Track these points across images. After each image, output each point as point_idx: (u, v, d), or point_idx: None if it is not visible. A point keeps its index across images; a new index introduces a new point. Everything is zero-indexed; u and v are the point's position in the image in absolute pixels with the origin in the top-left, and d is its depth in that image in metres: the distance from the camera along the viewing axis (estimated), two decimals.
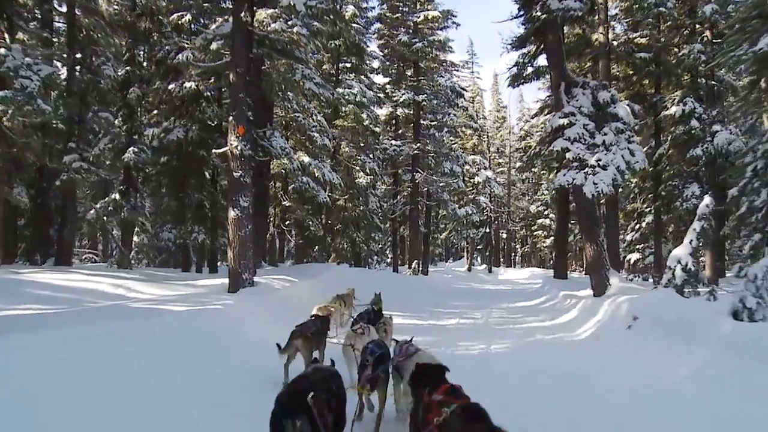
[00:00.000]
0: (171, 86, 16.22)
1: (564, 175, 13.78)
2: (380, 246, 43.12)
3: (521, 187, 65.51)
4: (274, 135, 21.97)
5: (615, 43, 18.72)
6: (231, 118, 12.75)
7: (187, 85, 15.38)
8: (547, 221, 53.03)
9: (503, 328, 12.17)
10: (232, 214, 12.70)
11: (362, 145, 31.26)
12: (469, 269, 47.07)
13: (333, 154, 30.62)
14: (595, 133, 13.66)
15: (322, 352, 7.07)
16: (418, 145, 30.71)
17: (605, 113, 13.85)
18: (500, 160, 66.19)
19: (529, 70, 20.66)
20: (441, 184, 35.66)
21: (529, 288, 25.93)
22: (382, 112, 34.77)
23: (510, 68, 20.50)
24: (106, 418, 4.95)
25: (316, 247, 31.59)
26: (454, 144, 34.21)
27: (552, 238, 53.17)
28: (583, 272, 36.73)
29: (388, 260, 41.00)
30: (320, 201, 27.16)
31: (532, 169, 34.81)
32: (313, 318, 7.80)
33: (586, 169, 13.28)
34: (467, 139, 46.74)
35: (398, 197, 34.94)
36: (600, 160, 13.18)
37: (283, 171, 27.43)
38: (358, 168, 30.56)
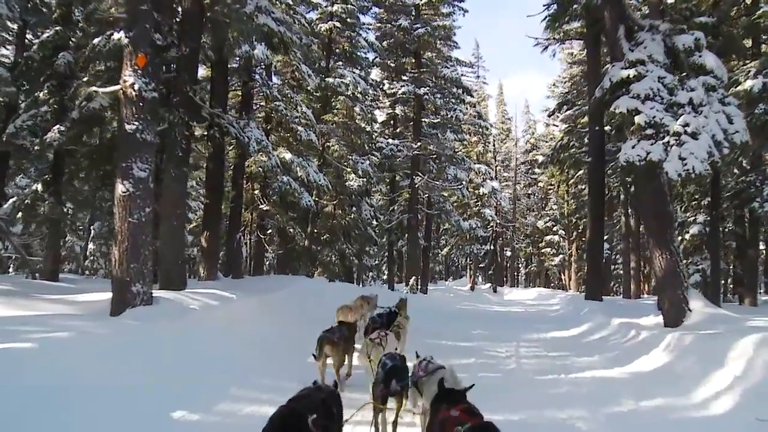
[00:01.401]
0: (96, 40, 12.34)
1: (633, 147, 9.74)
2: (375, 261, 39.11)
3: (527, 203, 61.56)
4: (249, 125, 18.37)
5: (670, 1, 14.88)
6: (126, 40, 8.62)
7: (116, 36, 11.51)
8: (556, 238, 49.04)
9: (551, 380, 7.91)
10: (120, 189, 8.37)
11: (355, 143, 27.40)
12: (472, 288, 42.94)
13: (321, 154, 26.77)
14: (676, 88, 9.70)
15: (350, 357, 7.43)
16: (419, 144, 26.81)
17: (686, 64, 9.91)
18: (505, 174, 62.27)
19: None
20: (444, 193, 31.80)
21: (548, 311, 21.89)
22: (378, 113, 31.09)
23: (548, 5, 16.38)
24: None
25: (301, 259, 27.52)
26: (458, 148, 30.15)
27: (561, 256, 49.26)
28: (618, 294, 32.68)
29: (385, 277, 36.90)
30: (305, 205, 23.24)
31: (550, 172, 30.47)
32: (338, 325, 7.67)
33: (667, 139, 9.33)
34: (472, 146, 42.87)
35: (395, 206, 30.97)
36: (688, 125, 9.22)
37: (261, 170, 23.59)
38: (349, 170, 26.63)
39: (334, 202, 27.10)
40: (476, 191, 42.27)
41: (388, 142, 27.23)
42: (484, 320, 16.62)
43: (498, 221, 47.26)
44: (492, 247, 47.88)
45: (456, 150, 28.06)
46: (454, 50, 31.81)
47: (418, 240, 30.25)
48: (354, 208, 27.84)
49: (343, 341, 7.11)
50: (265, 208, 24.09)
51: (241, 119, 17.72)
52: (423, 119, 27.77)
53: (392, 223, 29.57)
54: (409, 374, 5.30)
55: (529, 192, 62.12)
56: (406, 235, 29.37)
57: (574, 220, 46.48)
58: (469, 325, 14.83)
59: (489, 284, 46.99)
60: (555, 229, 49.27)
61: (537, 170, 61.81)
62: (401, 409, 5.13)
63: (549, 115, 36.37)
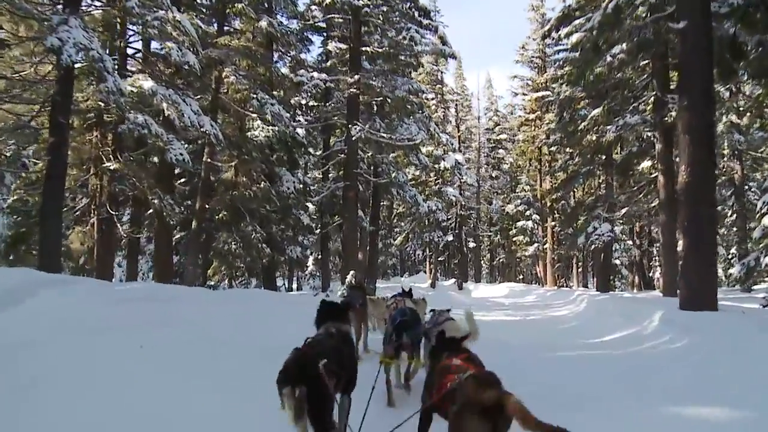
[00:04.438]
0: None
1: None
2: (312, 254, 30.53)
3: (492, 185, 54.10)
4: (69, 24, 10.83)
5: None
6: None
7: None
8: (530, 224, 41.53)
9: None
10: None
11: (264, 77, 18.94)
12: (433, 285, 34.88)
13: (215, 93, 18.22)
14: None
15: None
16: (356, 78, 18.35)
17: None
18: (467, 155, 54.37)
19: None
20: (393, 154, 23.56)
21: (558, 315, 14.13)
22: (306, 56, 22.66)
23: None
24: None
25: (189, 248, 18.82)
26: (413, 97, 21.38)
27: (535, 245, 41.84)
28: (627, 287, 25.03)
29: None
30: (172, 160, 14.79)
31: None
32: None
33: None
34: (431, 110, 34.83)
35: (330, 175, 22.63)
36: None
37: (101, 105, 15.04)
38: (254, 115, 18.14)
39: (233, 163, 18.51)
40: (436, 165, 34.27)
41: (312, 77, 18.73)
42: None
43: (463, 202, 39.44)
44: (456, 233, 40.05)
45: (413, 90, 19.70)
46: None
47: (358, 219, 21.95)
48: (262, 172, 19.36)
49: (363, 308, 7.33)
50: (112, 167, 15.35)
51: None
52: (364, 47, 19.32)
53: (321, 195, 21.06)
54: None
55: (494, 174, 54.72)
56: (341, 211, 20.92)
57: (549, 203, 39.08)
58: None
59: (453, 280, 39.05)
60: (528, 213, 41.73)
61: (501, 150, 54.74)
62: (414, 362, 5.09)
63: (543, 37, 28.10)
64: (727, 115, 19.61)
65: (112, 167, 15.23)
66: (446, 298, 24.73)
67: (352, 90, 18.37)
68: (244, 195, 18.45)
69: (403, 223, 39.93)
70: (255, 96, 17.63)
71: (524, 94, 44.40)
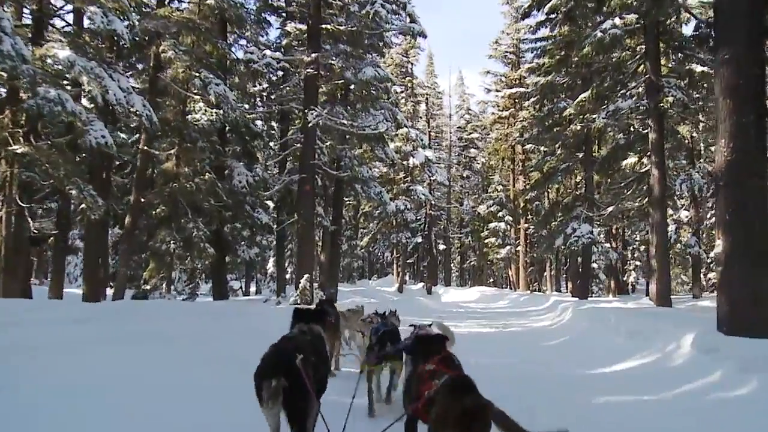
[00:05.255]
0: None
1: None
2: (273, 255, 28.13)
3: (463, 186, 52.41)
4: None
5: None
6: None
7: None
8: (502, 225, 39.88)
9: None
10: None
11: (210, 54, 16.74)
12: (401, 289, 32.96)
13: (153, 72, 15.94)
14: None
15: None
16: (315, 56, 16.17)
17: None
18: (438, 155, 52.45)
19: None
20: (358, 150, 21.54)
21: (541, 326, 12.24)
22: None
23: None
24: None
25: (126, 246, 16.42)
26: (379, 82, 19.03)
27: (508, 247, 40.23)
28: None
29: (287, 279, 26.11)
30: (91, 144, 12.52)
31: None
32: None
33: None
34: (400, 105, 32.83)
35: (286, 165, 20.44)
36: None
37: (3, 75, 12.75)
38: (197, 96, 15.90)
39: (172, 150, 16.23)
40: (405, 162, 32.35)
41: (264, 55, 16.49)
42: None
43: (433, 202, 37.58)
44: (426, 237, 38.21)
45: (379, 71, 17.55)
46: None
47: (318, 218, 19.82)
48: (210, 163, 17.11)
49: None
50: (19, 150, 12.94)
51: None
52: (324, 25, 17.17)
53: (275, 188, 18.83)
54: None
55: (465, 174, 53.05)
56: (297, 207, 18.70)
57: (523, 203, 37.54)
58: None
59: (422, 283, 37.14)
60: (500, 214, 40.06)
61: (473, 150, 53.12)
62: (398, 368, 4.97)
63: (523, 17, 26.10)
64: None
65: (19, 151, 12.81)
66: (413, 305, 22.79)
67: (309, 71, 16.19)
68: (185, 188, 16.14)
69: (369, 224, 37.85)
70: (198, 75, 15.37)
71: (497, 91, 42.76)
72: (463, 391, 2.95)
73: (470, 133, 52.45)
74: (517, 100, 39.47)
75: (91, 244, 16.99)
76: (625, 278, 36.63)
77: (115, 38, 14.36)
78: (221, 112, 15.42)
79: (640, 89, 14.67)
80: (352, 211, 37.83)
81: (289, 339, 3.83)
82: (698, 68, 14.47)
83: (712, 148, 22.43)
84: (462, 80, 54.50)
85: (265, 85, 21.03)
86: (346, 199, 36.34)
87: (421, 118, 41.74)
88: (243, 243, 22.68)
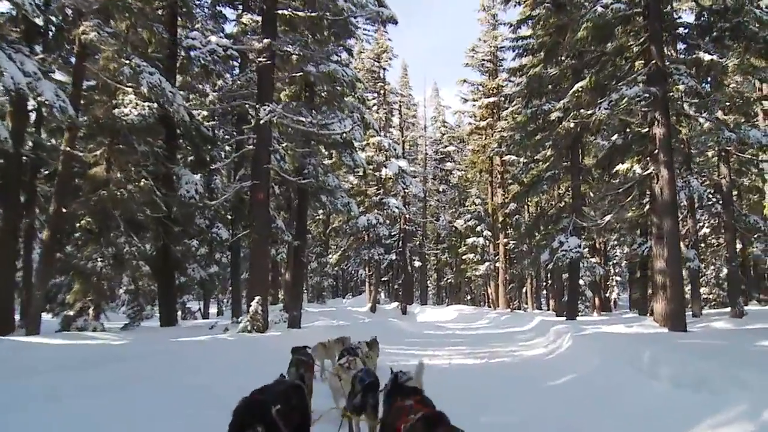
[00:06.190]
0: None
1: None
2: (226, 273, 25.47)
3: (438, 200, 50.39)
4: None
5: None
6: None
7: None
8: (481, 240, 37.91)
9: None
10: None
11: (146, 39, 14.45)
12: (373, 309, 30.61)
13: (78, 60, 13.56)
14: None
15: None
16: (268, 42, 13.93)
17: None
18: (412, 168, 50.42)
19: None
20: (329, 161, 19.35)
21: (536, 355, 10.12)
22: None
23: None
24: None
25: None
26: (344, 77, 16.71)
27: (486, 264, 38.22)
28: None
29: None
30: None
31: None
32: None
33: None
34: (371, 111, 30.74)
35: (241, 168, 18.13)
36: None
37: None
38: (129, 90, 13.54)
39: (100, 151, 13.81)
40: (377, 173, 30.24)
41: (209, 41, 14.20)
42: None
43: (407, 216, 35.44)
44: (400, 253, 36.04)
45: (341, 62, 15.33)
46: None
47: (276, 230, 17.48)
48: (146, 168, 14.70)
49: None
50: None
51: None
52: (279, 11, 14.96)
53: (223, 197, 16.38)
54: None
55: (441, 188, 51.10)
56: (249, 218, 16.30)
57: (502, 217, 35.61)
58: None
59: (396, 303, 34.83)
60: (479, 229, 38.10)
61: (449, 163, 51.31)
62: (374, 425, 4.89)
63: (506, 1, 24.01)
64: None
65: None
66: (386, 327, 20.49)
67: (262, 59, 13.97)
68: (116, 195, 13.70)
69: (341, 240, 35.54)
70: (128, 62, 13.03)
71: (474, 100, 40.93)
72: (439, 423, 3.14)
73: (446, 146, 50.68)
74: (494, 110, 37.78)
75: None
76: (607, 294, 35.02)
77: (21, 15, 11.99)
78: (155, 106, 13.06)
79: (644, 77, 12.75)
80: (322, 227, 35.48)
81: (263, 390, 3.77)
82: (706, 57, 12.64)
83: (710, 153, 20.74)
84: (437, 92, 52.90)
85: (221, 83, 18.80)
86: (318, 214, 34.14)
87: (394, 127, 39.75)
88: (196, 261, 20.30)
